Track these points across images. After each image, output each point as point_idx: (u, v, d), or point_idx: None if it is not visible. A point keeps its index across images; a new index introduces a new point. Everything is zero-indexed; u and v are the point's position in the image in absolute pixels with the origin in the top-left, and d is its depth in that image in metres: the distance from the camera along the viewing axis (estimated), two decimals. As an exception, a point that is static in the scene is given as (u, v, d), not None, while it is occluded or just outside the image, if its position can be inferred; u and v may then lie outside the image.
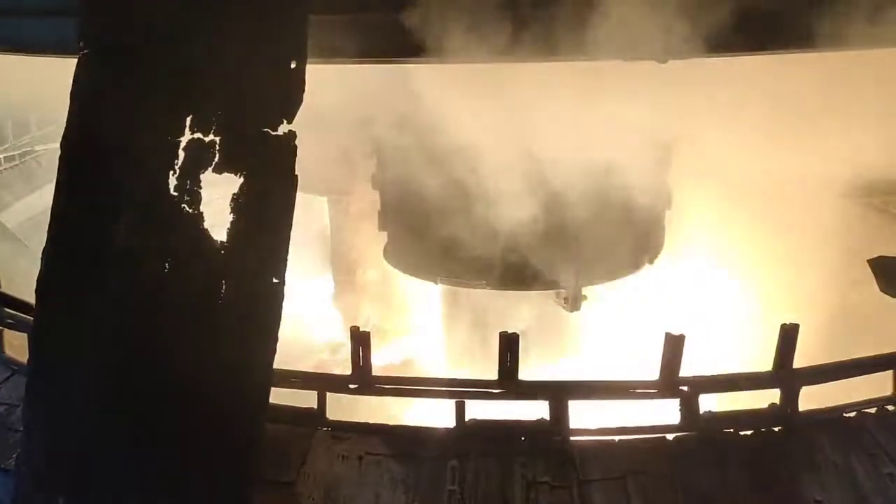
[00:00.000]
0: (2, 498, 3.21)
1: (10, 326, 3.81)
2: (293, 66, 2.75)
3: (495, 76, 3.45)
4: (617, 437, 3.10)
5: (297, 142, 2.73)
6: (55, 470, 2.95)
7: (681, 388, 3.01)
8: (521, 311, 5.30)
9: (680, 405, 3.02)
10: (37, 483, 2.94)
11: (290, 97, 2.74)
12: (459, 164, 4.43)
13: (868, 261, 3.71)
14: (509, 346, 3.07)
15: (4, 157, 6.85)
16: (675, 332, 3.00)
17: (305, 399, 3.28)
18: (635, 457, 3.01)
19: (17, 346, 3.81)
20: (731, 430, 3.07)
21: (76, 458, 2.91)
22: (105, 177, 2.92)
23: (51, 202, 2.96)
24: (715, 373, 3.08)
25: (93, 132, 2.99)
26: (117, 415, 2.87)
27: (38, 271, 2.96)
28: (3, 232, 6.07)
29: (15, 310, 3.76)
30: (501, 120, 3.84)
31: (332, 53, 2.83)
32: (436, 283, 5.39)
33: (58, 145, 2.96)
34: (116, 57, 2.99)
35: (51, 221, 3.02)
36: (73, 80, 3.05)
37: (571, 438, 3.10)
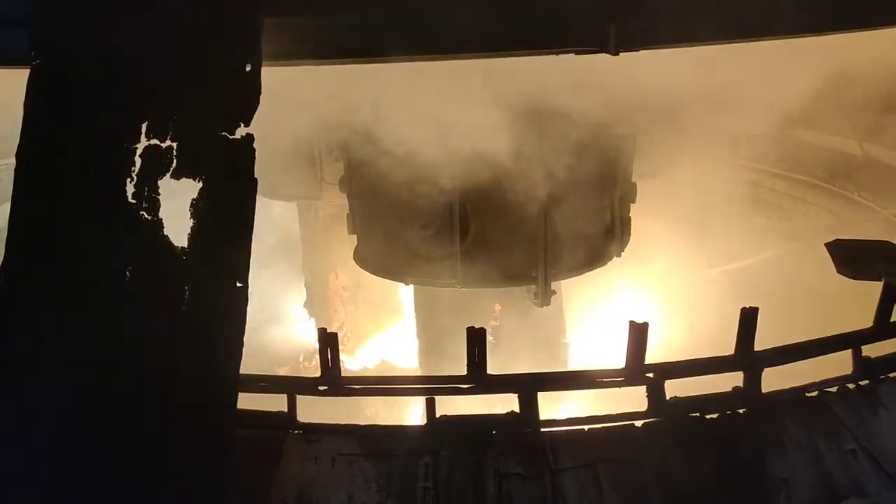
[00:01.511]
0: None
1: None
2: (248, 68, 2.75)
3: (465, 73, 3.46)
4: (587, 427, 3.13)
5: (254, 144, 2.73)
6: (24, 485, 2.91)
7: (647, 375, 3.05)
8: (492, 307, 5.34)
9: (647, 392, 3.07)
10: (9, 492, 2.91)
11: (245, 100, 2.74)
12: (424, 163, 4.45)
13: (825, 244, 3.80)
14: (476, 340, 3.09)
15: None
16: (639, 321, 3.04)
17: (278, 404, 3.27)
18: (605, 444, 3.04)
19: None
20: (698, 414, 3.12)
21: (45, 468, 2.88)
22: (62, 186, 2.89)
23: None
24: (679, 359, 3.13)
25: (48, 142, 2.96)
26: (86, 429, 2.84)
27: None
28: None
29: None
30: (464, 116, 3.86)
31: (287, 56, 2.82)
32: (406, 283, 5.41)
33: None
34: (69, 66, 2.97)
35: (8, 237, 2.99)
36: (27, 92, 3.03)
37: (542, 430, 3.12)
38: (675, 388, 3.13)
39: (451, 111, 3.95)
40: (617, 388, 3.08)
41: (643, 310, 4.02)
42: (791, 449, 3.02)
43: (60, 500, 2.82)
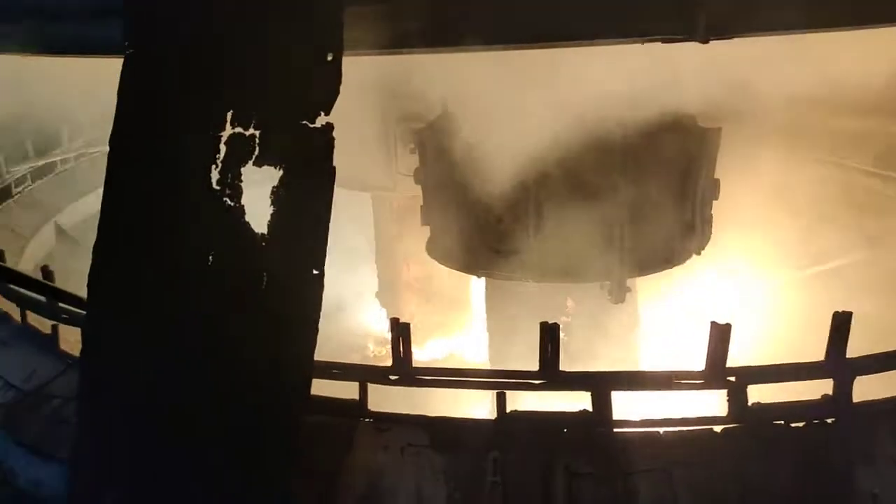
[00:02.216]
0: (58, 488, 3.32)
1: (64, 321, 3.94)
2: (329, 58, 2.77)
3: (541, 64, 3.38)
4: (662, 429, 3.03)
5: (333, 134, 2.76)
6: (106, 462, 3.04)
7: (728, 378, 2.93)
8: (564, 303, 5.25)
9: (728, 396, 2.94)
10: (89, 475, 3.04)
11: (326, 90, 2.76)
12: (500, 155, 4.40)
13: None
14: (550, 336, 3.03)
15: (60, 160, 7.07)
16: (721, 322, 2.92)
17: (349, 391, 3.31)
18: (681, 448, 2.94)
19: (72, 340, 3.94)
20: (782, 422, 2.98)
21: (126, 450, 3.00)
22: (151, 173, 2.99)
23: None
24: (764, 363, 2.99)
25: (139, 130, 3.07)
26: (164, 407, 2.94)
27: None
28: (59, 233, 6.29)
29: (69, 305, 3.89)
30: (542, 108, 3.79)
31: (367, 45, 2.83)
32: (478, 276, 5.38)
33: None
34: (160, 55, 3.06)
35: (101, 218, 3.12)
36: (120, 80, 3.14)
37: (615, 430, 3.04)
38: (757, 395, 3.00)
39: (528, 102, 3.89)
40: (696, 391, 2.97)
41: (722, 311, 3.84)
42: (882, 462, 2.85)
43: (136, 478, 2.93)
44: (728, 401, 2.95)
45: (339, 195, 2.86)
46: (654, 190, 4.66)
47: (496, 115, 4.10)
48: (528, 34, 2.65)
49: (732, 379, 2.92)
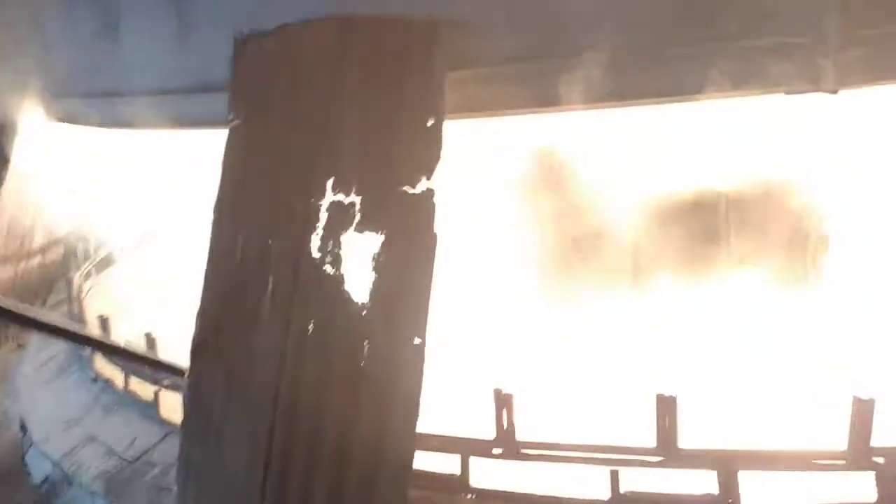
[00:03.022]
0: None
1: (165, 388, 3.98)
2: (430, 123, 2.73)
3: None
4: (798, 515, 2.72)
5: (436, 199, 2.69)
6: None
7: (875, 459, 2.61)
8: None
9: (876, 480, 2.62)
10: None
11: (428, 155, 2.71)
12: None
13: None
14: (666, 408, 2.80)
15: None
16: (864, 394, 2.63)
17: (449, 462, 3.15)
18: (822, 539, 2.62)
19: (172, 406, 3.96)
20: (941, 510, 2.62)
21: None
22: (253, 240, 3.00)
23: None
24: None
25: (241, 197, 3.11)
26: (265, 477, 2.87)
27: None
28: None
29: (170, 373, 3.92)
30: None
31: (469, 108, 2.77)
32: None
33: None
34: (262, 126, 3.11)
35: (203, 285, 3.15)
36: (224, 151, 3.21)
37: (744, 515, 2.75)
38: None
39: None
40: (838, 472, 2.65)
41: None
42: None
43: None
44: (876, 485, 2.62)
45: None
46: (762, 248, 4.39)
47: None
48: (648, 91, 2.53)
49: (880, 460, 2.61)
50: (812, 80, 2.46)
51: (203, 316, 3.06)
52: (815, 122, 2.91)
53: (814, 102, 2.56)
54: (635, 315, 4.26)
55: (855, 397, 2.63)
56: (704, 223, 3.95)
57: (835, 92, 2.45)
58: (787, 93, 2.52)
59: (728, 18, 2.42)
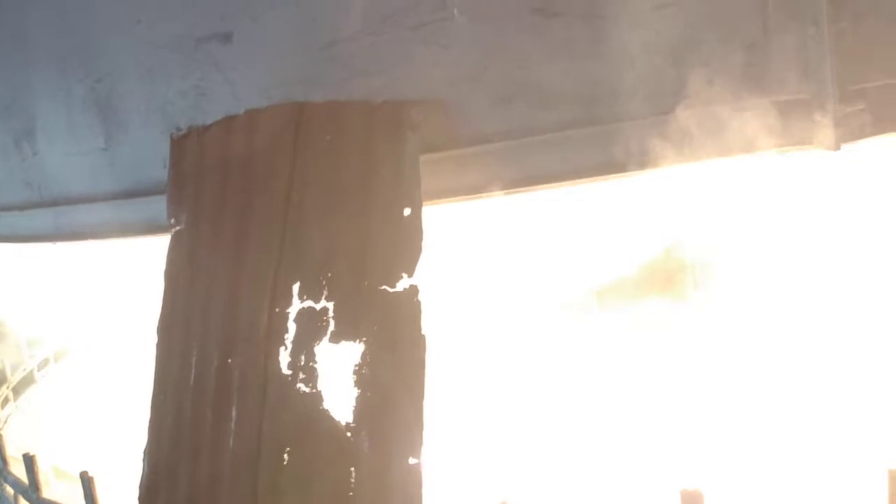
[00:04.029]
0: None
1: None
2: (406, 212, 2.45)
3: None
4: None
5: (421, 297, 2.39)
6: None
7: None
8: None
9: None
10: None
11: (407, 248, 2.43)
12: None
13: None
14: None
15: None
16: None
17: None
18: None
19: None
20: None
21: None
22: (209, 360, 2.62)
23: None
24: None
25: (191, 311, 2.73)
26: None
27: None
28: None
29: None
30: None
31: (451, 192, 2.53)
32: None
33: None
34: (211, 228, 2.77)
35: (150, 417, 2.72)
36: (167, 259, 2.84)
37: None
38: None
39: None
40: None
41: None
42: None
43: None
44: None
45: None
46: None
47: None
48: (638, 161, 2.35)
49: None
50: (810, 138, 2.33)
51: (152, 454, 2.63)
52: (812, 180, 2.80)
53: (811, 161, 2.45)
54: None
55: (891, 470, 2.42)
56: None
57: (837, 149, 2.32)
58: (787, 152, 2.38)
59: (723, 79, 2.28)
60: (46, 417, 4.93)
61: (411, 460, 2.34)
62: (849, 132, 2.31)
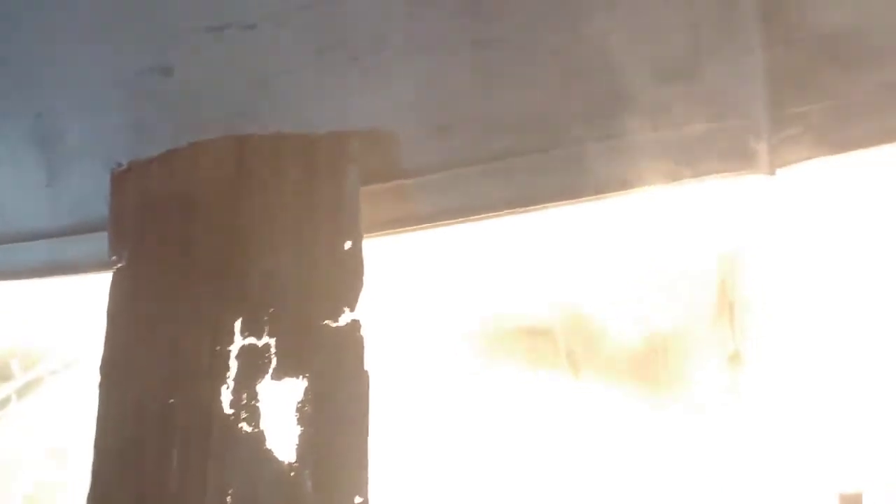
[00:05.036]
0: None
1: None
2: (347, 246, 2.43)
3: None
4: None
5: (363, 332, 2.36)
6: None
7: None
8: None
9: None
10: None
11: (349, 282, 2.40)
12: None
13: None
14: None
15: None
16: (850, 487, 2.42)
17: None
18: None
19: None
20: None
21: None
22: (151, 402, 2.55)
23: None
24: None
25: (133, 351, 2.67)
26: None
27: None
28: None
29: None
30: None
31: (393, 224, 2.51)
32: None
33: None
34: (152, 266, 2.72)
35: (92, 463, 2.64)
36: (109, 298, 2.78)
37: None
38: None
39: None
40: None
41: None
42: None
43: None
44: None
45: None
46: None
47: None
48: (575, 190, 2.35)
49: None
50: (746, 163, 2.35)
51: (95, 500, 2.54)
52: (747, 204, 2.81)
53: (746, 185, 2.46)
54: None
55: (841, 494, 2.42)
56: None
57: (772, 173, 2.34)
58: (721, 178, 2.39)
59: (660, 106, 2.29)
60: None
61: (357, 499, 2.30)
62: (784, 156, 2.33)
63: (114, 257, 2.82)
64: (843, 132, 2.28)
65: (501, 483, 3.37)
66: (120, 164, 2.88)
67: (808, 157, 2.34)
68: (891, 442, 2.97)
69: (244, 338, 2.47)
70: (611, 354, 3.72)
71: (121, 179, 2.87)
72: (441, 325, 3.39)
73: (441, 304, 3.42)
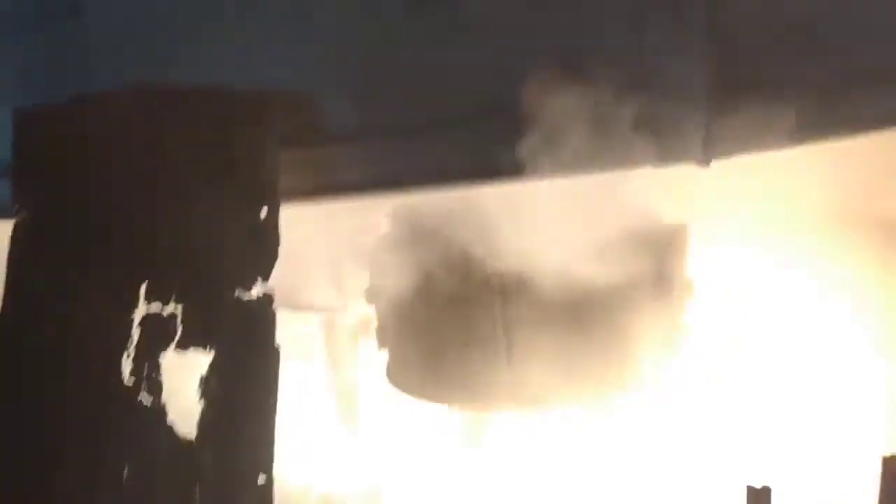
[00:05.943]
0: None
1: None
2: (263, 214, 2.30)
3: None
4: None
5: (275, 305, 2.25)
6: None
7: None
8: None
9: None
10: None
11: (262, 252, 2.28)
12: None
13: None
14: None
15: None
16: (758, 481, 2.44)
17: None
18: None
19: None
20: None
21: None
22: (45, 365, 2.41)
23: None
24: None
25: (32, 311, 2.51)
26: None
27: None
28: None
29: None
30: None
31: (306, 192, 2.38)
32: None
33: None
34: (55, 220, 2.54)
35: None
36: (9, 253, 2.60)
37: None
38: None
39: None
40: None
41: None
42: None
43: None
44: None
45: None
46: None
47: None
48: (500, 168, 2.25)
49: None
50: (682, 153, 2.28)
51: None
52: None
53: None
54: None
55: (749, 487, 2.44)
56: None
57: (707, 165, 2.28)
58: (657, 166, 2.32)
59: (601, 92, 2.19)
60: None
61: (261, 478, 2.22)
62: (719, 148, 2.27)
63: (15, 207, 2.63)
64: (782, 125, 2.23)
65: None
66: (25, 109, 2.66)
67: (744, 151, 2.29)
68: (801, 437, 3.03)
69: (149, 303, 2.34)
70: (546, 321, 3.68)
71: (25, 125, 2.65)
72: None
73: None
